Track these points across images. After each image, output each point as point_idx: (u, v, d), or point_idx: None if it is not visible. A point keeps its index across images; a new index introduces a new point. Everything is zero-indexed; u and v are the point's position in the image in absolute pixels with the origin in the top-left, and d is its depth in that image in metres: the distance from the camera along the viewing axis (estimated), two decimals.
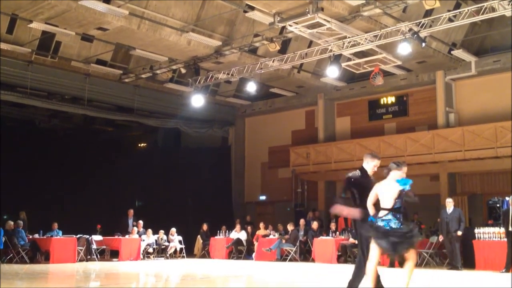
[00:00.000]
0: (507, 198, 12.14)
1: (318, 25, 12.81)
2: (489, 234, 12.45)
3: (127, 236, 16.52)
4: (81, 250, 15.25)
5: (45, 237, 15.27)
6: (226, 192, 22.01)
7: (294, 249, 15.84)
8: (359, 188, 6.54)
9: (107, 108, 19.53)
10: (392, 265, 13.05)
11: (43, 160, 18.87)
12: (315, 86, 19.20)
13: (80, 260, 15.09)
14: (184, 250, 17.83)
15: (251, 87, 16.80)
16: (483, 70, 16.60)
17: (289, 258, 15.77)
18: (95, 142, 22.82)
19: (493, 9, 11.83)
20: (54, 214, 16.84)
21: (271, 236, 16.80)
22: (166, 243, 17.59)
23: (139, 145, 25.80)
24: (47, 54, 16.03)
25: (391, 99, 19.05)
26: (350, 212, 6.57)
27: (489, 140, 15.52)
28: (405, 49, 13.17)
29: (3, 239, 14.30)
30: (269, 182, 21.80)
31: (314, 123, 20.73)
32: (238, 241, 17.26)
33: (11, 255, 14.62)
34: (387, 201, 6.12)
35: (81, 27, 14.21)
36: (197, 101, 17.26)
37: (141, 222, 17.24)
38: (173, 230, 17.73)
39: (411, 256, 6.08)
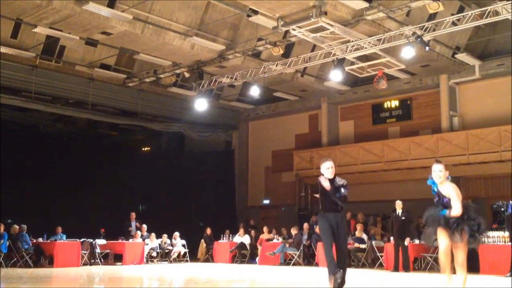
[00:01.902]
0: (511, 202, 12.10)
1: (321, 29, 12.83)
2: (493, 238, 12.38)
3: (130, 240, 16.53)
4: (84, 254, 15.23)
5: (49, 241, 15.28)
6: (229, 196, 22.01)
7: (297, 253, 15.81)
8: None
9: (111, 112, 19.57)
10: (396, 269, 13.03)
11: (47, 163, 18.88)
12: (319, 90, 19.20)
13: (84, 264, 15.07)
14: (187, 254, 17.82)
15: (255, 91, 16.82)
16: (487, 73, 16.59)
17: (292, 262, 15.75)
18: (99, 146, 22.86)
19: (496, 13, 11.84)
20: (58, 218, 16.85)
21: (274, 240, 16.78)
22: (170, 247, 17.58)
23: (143, 149, 25.82)
24: (52, 58, 16.10)
25: (394, 103, 19.04)
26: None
27: (493, 144, 15.49)
28: (408, 53, 13.17)
29: (8, 243, 14.33)
30: (272, 186, 21.78)
31: (318, 127, 20.72)
32: (242, 245, 17.24)
33: (15, 259, 14.63)
34: None
35: (85, 32, 14.27)
36: (201, 105, 17.29)
37: (144, 226, 17.25)
38: (176, 234, 17.72)
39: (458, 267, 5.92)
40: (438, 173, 6.08)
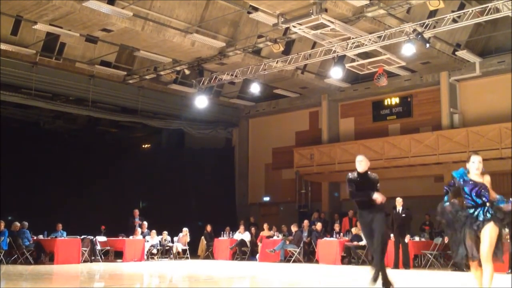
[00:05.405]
0: (511, 199, 12.08)
1: (322, 26, 12.82)
2: None
3: (131, 237, 16.55)
4: (85, 251, 15.26)
5: (49, 238, 15.29)
6: (229, 193, 22.03)
7: (298, 250, 15.82)
8: None
9: (111, 109, 19.59)
10: (396, 266, 13.05)
11: (47, 161, 18.88)
12: (319, 87, 19.20)
13: (84, 261, 15.10)
14: (188, 251, 17.84)
15: (255, 88, 16.81)
16: (487, 71, 16.57)
17: (293, 259, 15.76)
18: (99, 143, 22.83)
19: (497, 10, 11.82)
20: (59, 215, 16.84)
21: (275, 237, 16.79)
22: (170, 244, 17.60)
23: (143, 146, 25.83)
24: (52, 55, 16.10)
25: (395, 100, 19.03)
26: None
27: (494, 141, 15.49)
28: (409, 50, 13.15)
29: (8, 240, 14.35)
30: (273, 183, 21.79)
31: (318, 124, 20.72)
32: (242, 242, 17.26)
33: (16, 256, 14.65)
34: None
35: (86, 29, 14.27)
36: (201, 102, 17.29)
37: (145, 223, 17.27)
38: (185, 229, 17.81)
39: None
40: (478, 164, 6.06)
